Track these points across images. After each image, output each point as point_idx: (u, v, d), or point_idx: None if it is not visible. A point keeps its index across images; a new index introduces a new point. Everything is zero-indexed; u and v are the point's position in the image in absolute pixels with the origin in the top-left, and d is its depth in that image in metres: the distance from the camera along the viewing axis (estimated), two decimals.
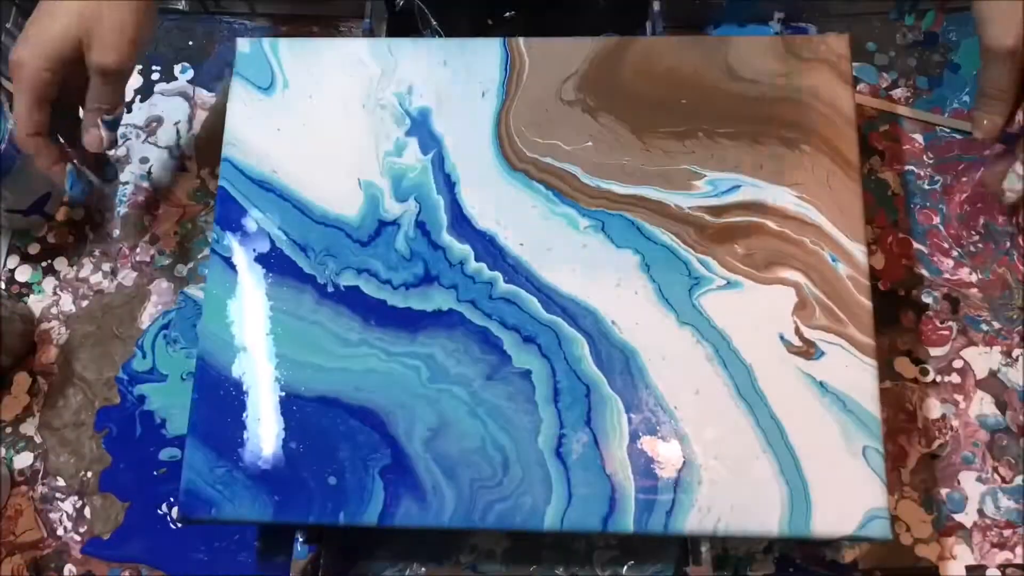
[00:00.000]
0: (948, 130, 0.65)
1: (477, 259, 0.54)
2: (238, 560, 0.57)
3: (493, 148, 0.56)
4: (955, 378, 0.59)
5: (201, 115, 0.69)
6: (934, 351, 0.60)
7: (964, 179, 0.64)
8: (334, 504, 0.49)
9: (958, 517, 0.56)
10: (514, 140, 0.56)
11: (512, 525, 0.49)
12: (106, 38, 0.53)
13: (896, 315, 0.61)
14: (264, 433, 0.51)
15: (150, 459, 0.60)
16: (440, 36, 0.69)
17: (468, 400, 0.51)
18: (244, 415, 0.51)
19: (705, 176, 0.54)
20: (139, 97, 0.70)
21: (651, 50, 0.58)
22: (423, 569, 0.57)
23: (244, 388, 0.52)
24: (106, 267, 0.65)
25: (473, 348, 0.52)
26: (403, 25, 0.69)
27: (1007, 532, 0.56)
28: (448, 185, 0.55)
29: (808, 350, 0.51)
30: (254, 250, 0.55)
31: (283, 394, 0.52)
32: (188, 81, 0.70)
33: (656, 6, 0.65)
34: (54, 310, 0.64)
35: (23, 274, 0.65)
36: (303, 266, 0.54)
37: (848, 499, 0.48)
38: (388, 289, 0.53)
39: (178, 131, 0.69)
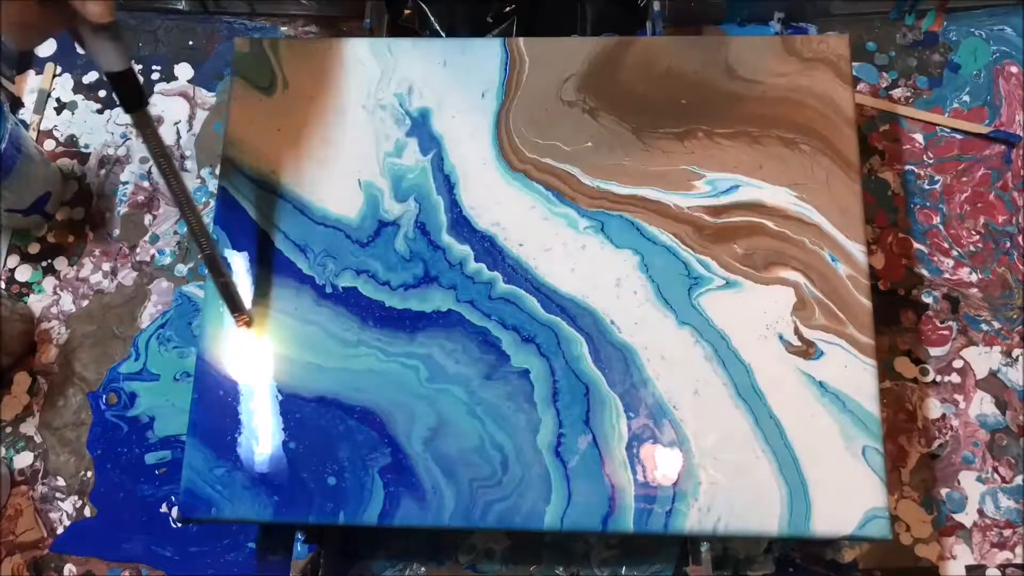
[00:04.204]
0: (948, 130, 0.65)
1: (477, 259, 0.54)
2: (237, 560, 0.58)
3: (493, 148, 0.56)
4: (955, 378, 0.59)
5: (201, 115, 0.69)
6: (934, 351, 0.60)
7: (964, 179, 0.64)
8: (334, 504, 0.50)
9: (958, 517, 0.56)
10: (514, 140, 0.56)
11: (512, 525, 0.49)
12: None
13: (896, 315, 0.61)
14: (264, 433, 0.51)
15: (138, 459, 0.60)
16: (440, 36, 0.69)
17: (467, 400, 0.51)
18: (243, 415, 0.51)
19: (704, 176, 0.54)
20: None
21: (651, 50, 0.58)
22: (423, 569, 0.57)
23: (243, 388, 0.52)
24: (106, 267, 0.65)
25: (472, 348, 0.52)
26: (403, 26, 0.69)
27: (1007, 532, 0.56)
28: (448, 186, 0.55)
29: (808, 350, 0.51)
30: (253, 250, 0.55)
31: (282, 394, 0.52)
32: (188, 81, 0.70)
33: (656, 6, 0.65)
34: (54, 310, 0.64)
35: (23, 274, 0.65)
36: (302, 267, 0.54)
37: (848, 499, 0.48)
38: (387, 290, 0.53)
39: (178, 131, 0.69)
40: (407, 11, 0.68)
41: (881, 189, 0.64)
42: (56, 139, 0.69)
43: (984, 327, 0.60)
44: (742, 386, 0.50)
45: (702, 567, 0.52)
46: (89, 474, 0.60)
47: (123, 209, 0.67)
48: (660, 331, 0.51)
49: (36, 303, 0.65)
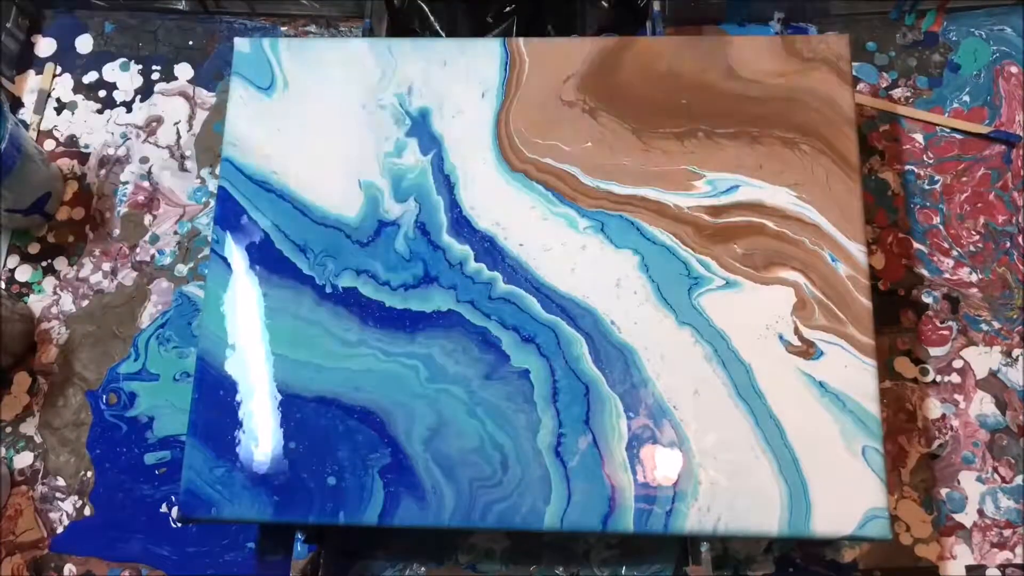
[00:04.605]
0: (948, 130, 0.65)
1: (477, 259, 0.54)
2: (236, 560, 0.58)
3: (493, 148, 0.56)
4: (955, 378, 0.59)
5: (201, 115, 0.69)
6: (934, 351, 0.60)
7: (964, 179, 0.64)
8: (334, 504, 0.50)
9: (958, 517, 0.56)
10: (514, 140, 0.56)
11: (512, 525, 0.49)
12: None
13: (896, 315, 0.61)
14: (264, 433, 0.51)
15: (137, 459, 0.60)
16: (440, 36, 0.69)
17: (467, 400, 0.51)
18: (243, 415, 0.51)
19: (705, 176, 0.54)
20: (139, 97, 0.70)
21: (651, 50, 0.58)
22: (423, 569, 0.57)
23: (243, 388, 0.52)
24: (106, 267, 0.65)
25: (472, 348, 0.52)
26: (403, 25, 0.69)
27: (1007, 532, 0.56)
28: (448, 186, 0.55)
29: (807, 350, 0.51)
30: (254, 250, 0.55)
31: (282, 394, 0.52)
32: (188, 81, 0.70)
33: (656, 6, 0.65)
34: (54, 310, 0.64)
35: (23, 274, 0.65)
36: (302, 267, 0.54)
37: (848, 499, 0.48)
38: (387, 290, 0.53)
39: (178, 131, 0.69)
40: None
41: (881, 189, 0.64)
42: (56, 139, 0.69)
43: (984, 327, 0.60)
44: (742, 386, 0.50)
45: (702, 567, 0.52)
46: (89, 474, 0.60)
47: (123, 209, 0.67)
48: (660, 331, 0.51)
49: (36, 303, 0.65)
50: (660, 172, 0.55)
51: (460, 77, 0.58)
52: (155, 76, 0.70)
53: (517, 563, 0.57)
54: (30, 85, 0.71)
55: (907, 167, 0.64)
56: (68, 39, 0.72)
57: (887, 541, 0.49)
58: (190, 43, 0.71)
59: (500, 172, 0.55)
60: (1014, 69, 0.66)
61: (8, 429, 0.61)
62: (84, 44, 0.72)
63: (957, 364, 0.59)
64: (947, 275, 0.61)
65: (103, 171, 0.68)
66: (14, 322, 0.62)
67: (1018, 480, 0.57)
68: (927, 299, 0.61)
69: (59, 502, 0.59)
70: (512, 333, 0.52)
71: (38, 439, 0.61)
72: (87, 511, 0.59)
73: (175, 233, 0.66)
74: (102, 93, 0.70)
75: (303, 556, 0.53)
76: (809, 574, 0.56)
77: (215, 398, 0.52)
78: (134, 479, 0.59)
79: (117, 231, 0.66)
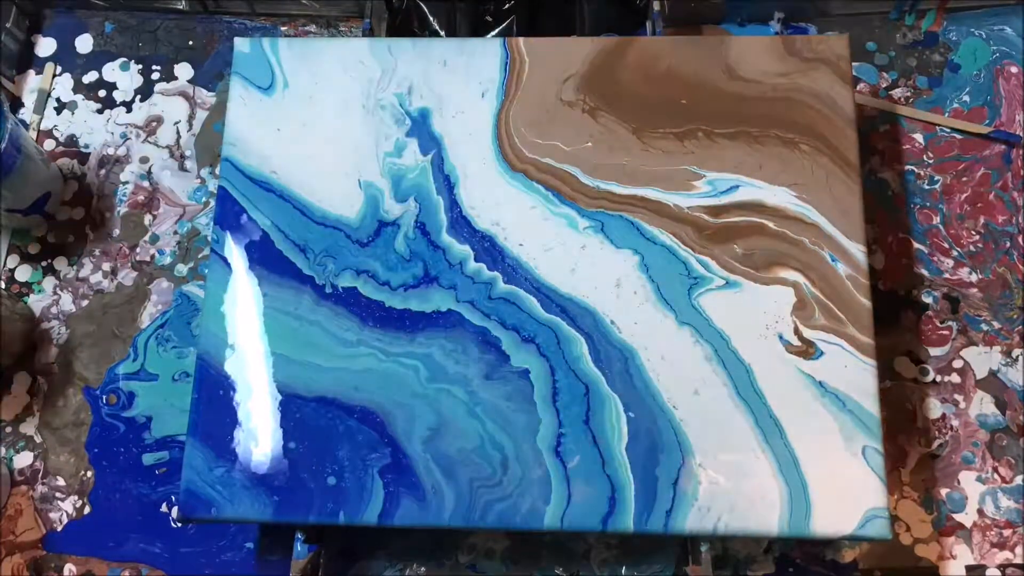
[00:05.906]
0: (948, 130, 0.65)
1: (476, 259, 0.54)
2: (235, 560, 0.58)
3: (493, 149, 0.56)
4: (955, 378, 0.59)
5: (201, 115, 0.69)
6: (934, 351, 0.60)
7: (964, 179, 0.64)
8: (334, 504, 0.50)
9: (958, 517, 0.56)
10: (514, 140, 0.56)
11: (512, 525, 0.49)
12: None
13: (896, 315, 0.61)
14: (263, 433, 0.51)
15: (136, 459, 0.60)
16: (440, 36, 0.69)
17: (467, 400, 0.51)
18: (243, 415, 0.51)
19: (704, 176, 0.54)
20: (139, 97, 0.70)
21: (651, 50, 0.58)
22: (423, 569, 0.57)
23: (243, 388, 0.52)
24: (106, 267, 0.65)
25: (472, 348, 0.52)
26: (403, 25, 0.69)
27: (1007, 532, 0.56)
28: (448, 186, 0.55)
29: (807, 350, 0.51)
30: (253, 250, 0.55)
31: (282, 394, 0.52)
32: (188, 81, 0.70)
33: (656, 6, 0.65)
34: (54, 310, 0.64)
35: (23, 274, 0.65)
36: (302, 267, 0.54)
37: (848, 499, 0.48)
38: (387, 290, 0.53)
39: (178, 131, 0.69)
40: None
41: (881, 189, 0.64)
42: (56, 139, 0.69)
43: (984, 327, 0.60)
44: (742, 386, 0.50)
45: (702, 567, 0.52)
46: (89, 474, 0.60)
47: (123, 209, 0.67)
48: (660, 331, 0.51)
49: (36, 303, 0.65)
50: (660, 172, 0.55)
51: (460, 77, 0.58)
52: (155, 76, 0.70)
53: (517, 563, 0.57)
54: (30, 85, 0.71)
55: (907, 167, 0.64)
56: (68, 39, 0.72)
57: (887, 541, 0.49)
58: (190, 43, 0.71)
59: (500, 172, 0.55)
60: (1014, 69, 0.66)
61: (8, 429, 0.61)
62: (84, 44, 0.72)
63: (957, 364, 0.59)
64: (947, 275, 0.61)
65: (103, 171, 0.68)
66: (14, 322, 0.62)
67: (1018, 480, 0.57)
68: (927, 299, 0.61)
69: (59, 502, 0.59)
70: (512, 333, 0.52)
71: (38, 439, 0.61)
72: (87, 511, 0.59)
73: (175, 233, 0.66)
74: (102, 93, 0.70)
75: (303, 556, 0.53)
76: (809, 574, 0.56)
77: (215, 398, 0.52)
78: (133, 479, 0.59)
79: (117, 231, 0.66)
